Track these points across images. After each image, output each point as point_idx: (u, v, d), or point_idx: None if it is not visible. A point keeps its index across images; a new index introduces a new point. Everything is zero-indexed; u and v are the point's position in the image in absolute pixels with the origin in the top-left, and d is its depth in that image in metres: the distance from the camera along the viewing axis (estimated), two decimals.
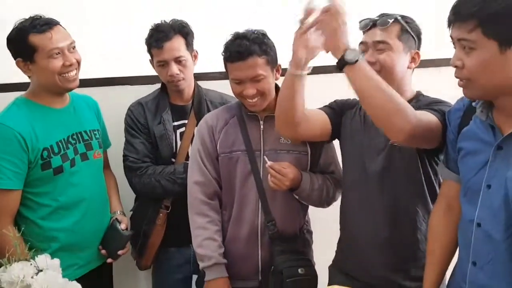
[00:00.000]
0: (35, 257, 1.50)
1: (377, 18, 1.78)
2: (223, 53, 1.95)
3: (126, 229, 2.15)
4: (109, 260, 2.15)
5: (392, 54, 1.75)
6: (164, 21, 2.22)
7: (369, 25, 1.79)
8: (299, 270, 1.91)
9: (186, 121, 2.30)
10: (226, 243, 2.01)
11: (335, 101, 1.98)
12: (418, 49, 1.82)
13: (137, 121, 2.27)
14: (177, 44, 2.18)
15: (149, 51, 2.23)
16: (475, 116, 1.46)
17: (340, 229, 2.00)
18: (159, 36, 2.16)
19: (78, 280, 1.73)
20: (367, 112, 1.69)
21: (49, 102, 2.01)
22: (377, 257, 1.82)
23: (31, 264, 1.48)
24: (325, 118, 1.91)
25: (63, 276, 1.73)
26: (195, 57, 2.28)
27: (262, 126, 2.00)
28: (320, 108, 1.96)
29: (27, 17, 1.94)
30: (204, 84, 2.38)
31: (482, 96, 1.40)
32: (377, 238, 1.81)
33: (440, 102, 1.75)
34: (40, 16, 1.94)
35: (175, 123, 2.30)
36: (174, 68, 2.18)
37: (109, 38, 2.43)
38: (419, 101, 1.80)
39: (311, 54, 1.67)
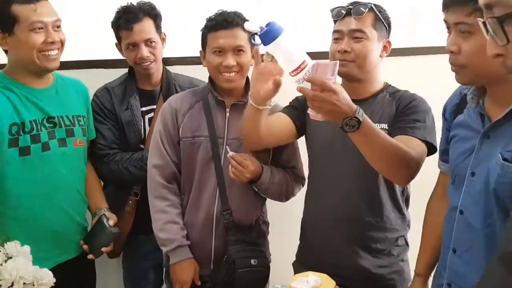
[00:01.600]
0: (4, 243, 1.44)
1: (350, 6, 1.77)
2: (204, 27, 1.93)
3: (114, 226, 2.05)
4: (90, 256, 2.04)
5: (367, 43, 1.75)
6: (131, 3, 2.16)
7: (343, 14, 1.77)
8: (252, 261, 1.90)
9: (154, 106, 2.25)
10: None
11: (296, 98, 1.94)
12: (388, 37, 1.83)
13: (103, 107, 2.21)
14: (147, 25, 2.14)
15: (117, 33, 2.17)
16: (468, 105, 1.45)
17: (303, 220, 1.99)
18: (128, 18, 2.11)
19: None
20: (372, 166, 1.64)
21: (27, 81, 1.88)
22: (342, 243, 1.83)
23: (0, 251, 1.43)
24: (289, 122, 1.89)
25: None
26: (163, 40, 2.24)
27: (228, 114, 1.97)
28: (283, 110, 1.93)
29: None
30: (172, 69, 2.34)
31: (475, 81, 1.38)
32: (342, 222, 1.81)
33: (415, 111, 1.75)
34: None
35: (143, 109, 2.25)
36: (145, 50, 2.14)
37: (87, 20, 2.36)
38: (388, 93, 1.83)
39: (270, 93, 1.69)
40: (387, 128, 1.77)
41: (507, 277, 0.89)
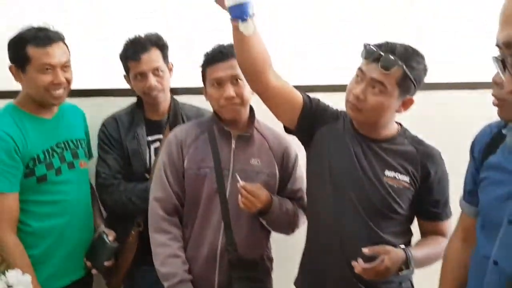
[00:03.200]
0: (6, 272, 1.42)
1: (381, 53, 1.61)
2: (203, 59, 1.94)
3: (114, 241, 2.11)
4: (93, 271, 2.12)
5: (384, 99, 1.64)
6: (139, 35, 2.19)
7: (370, 58, 1.64)
8: None
9: (160, 136, 2.24)
10: None
11: (318, 100, 1.85)
12: (414, 94, 1.71)
13: (110, 136, 2.21)
14: (155, 55, 2.16)
15: (125, 65, 2.19)
16: (503, 146, 1.37)
17: (303, 255, 1.92)
18: (136, 48, 2.14)
19: None
20: None
21: (37, 112, 2.01)
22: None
23: (1, 279, 1.43)
24: (298, 101, 1.79)
25: (44, 286, 1.90)
26: (170, 69, 2.25)
27: (233, 145, 1.94)
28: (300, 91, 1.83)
29: (35, 25, 1.97)
30: (179, 99, 2.34)
31: None
32: (343, 265, 1.72)
33: (444, 186, 1.77)
34: (47, 28, 1.97)
35: (149, 138, 2.24)
36: (153, 80, 2.14)
37: (96, 49, 2.39)
38: (406, 139, 1.76)
39: None
40: (408, 182, 1.71)
41: None
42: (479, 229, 1.41)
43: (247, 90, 1.90)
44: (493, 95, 1.31)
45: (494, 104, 1.32)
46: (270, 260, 2.07)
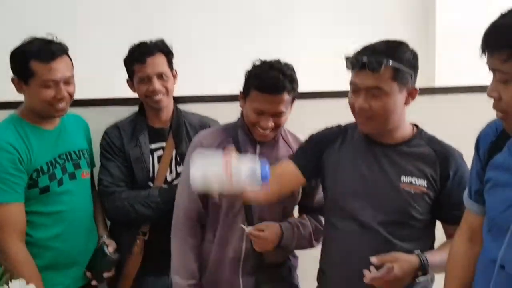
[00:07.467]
0: (9, 281, 1.40)
1: (365, 60, 1.58)
2: (250, 79, 1.86)
3: (114, 252, 2.09)
4: (93, 283, 2.09)
5: (387, 99, 1.60)
6: (145, 41, 2.18)
7: (357, 67, 1.60)
8: None
9: (164, 144, 2.22)
10: (210, 265, 1.94)
11: (311, 137, 1.87)
12: (415, 81, 1.66)
13: (112, 144, 2.19)
14: (160, 60, 2.15)
15: (130, 68, 2.17)
16: (510, 143, 1.31)
17: (320, 264, 1.88)
18: (142, 51, 2.13)
19: None
20: None
21: (39, 123, 2.01)
22: None
23: None
24: (296, 173, 1.81)
25: None
26: (174, 76, 2.23)
27: (258, 150, 1.94)
28: (291, 157, 1.86)
29: (43, 35, 1.96)
30: (182, 107, 2.32)
31: None
32: (359, 278, 1.63)
33: (464, 187, 1.58)
34: (52, 40, 1.96)
35: (152, 146, 2.22)
36: (157, 83, 2.13)
37: (99, 58, 2.37)
38: (422, 140, 1.71)
39: None
40: (425, 186, 1.66)
41: None
42: (486, 232, 1.38)
43: (284, 119, 1.89)
44: (494, 108, 1.26)
45: (498, 117, 1.28)
46: (295, 257, 2.08)
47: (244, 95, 1.90)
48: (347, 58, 1.64)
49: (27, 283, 1.46)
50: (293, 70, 1.88)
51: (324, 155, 1.80)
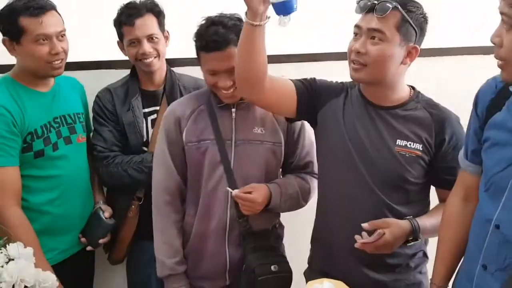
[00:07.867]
0: (7, 245, 1.40)
1: (376, 1, 1.57)
2: (195, 41, 1.80)
3: (110, 218, 2.10)
4: (88, 248, 2.10)
5: (386, 47, 1.57)
6: (134, 1, 2.11)
7: (366, 9, 1.59)
8: (272, 268, 1.82)
9: (157, 108, 2.18)
10: (192, 239, 1.92)
11: (314, 79, 1.80)
12: (419, 43, 1.62)
13: (104, 108, 2.15)
14: (150, 21, 2.08)
15: (119, 30, 2.11)
16: (509, 102, 1.29)
17: (313, 231, 1.90)
18: (130, 13, 2.06)
19: (59, 265, 1.94)
20: None
21: (33, 84, 1.97)
22: (354, 260, 1.73)
23: (1, 252, 1.40)
24: (292, 92, 1.74)
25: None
26: (166, 38, 2.17)
27: (234, 114, 1.87)
28: (293, 80, 1.77)
29: None
30: (177, 70, 2.27)
31: None
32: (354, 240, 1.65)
33: (458, 150, 1.58)
34: None
35: (146, 110, 2.18)
36: (147, 46, 2.07)
37: (94, 21, 2.32)
38: (419, 103, 1.69)
39: (267, 3, 1.51)
40: (420, 149, 1.65)
41: None
42: (482, 191, 1.37)
43: None
44: (495, 56, 1.25)
45: (499, 66, 1.26)
46: (282, 227, 2.06)
47: (198, 60, 1.85)
48: (358, 1, 1.62)
49: (25, 246, 1.44)
50: (238, 19, 1.77)
51: (321, 104, 1.77)
